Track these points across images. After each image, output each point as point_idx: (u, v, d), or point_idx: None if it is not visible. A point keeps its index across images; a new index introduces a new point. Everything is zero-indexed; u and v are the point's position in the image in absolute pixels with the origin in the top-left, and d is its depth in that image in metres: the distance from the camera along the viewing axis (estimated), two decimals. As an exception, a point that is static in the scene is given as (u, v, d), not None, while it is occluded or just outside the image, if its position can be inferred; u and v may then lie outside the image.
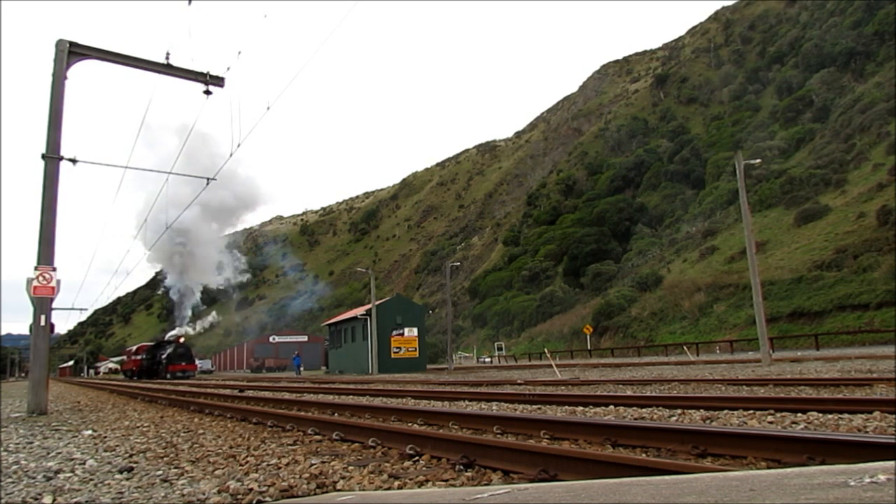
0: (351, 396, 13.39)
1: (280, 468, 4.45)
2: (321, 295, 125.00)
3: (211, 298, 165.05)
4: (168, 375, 44.03)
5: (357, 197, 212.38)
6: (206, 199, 57.67)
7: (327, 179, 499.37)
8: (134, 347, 61.82)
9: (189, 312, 64.59)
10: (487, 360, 52.18)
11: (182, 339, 49.30)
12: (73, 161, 12.33)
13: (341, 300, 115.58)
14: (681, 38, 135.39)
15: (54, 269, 11.19)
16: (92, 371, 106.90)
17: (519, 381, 15.50)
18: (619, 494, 2.12)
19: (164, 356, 45.86)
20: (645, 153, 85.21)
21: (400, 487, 3.71)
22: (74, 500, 3.73)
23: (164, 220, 21.29)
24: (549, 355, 29.46)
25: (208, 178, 15.71)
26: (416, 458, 4.56)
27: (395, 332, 38.08)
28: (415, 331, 38.87)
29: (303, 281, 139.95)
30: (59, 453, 5.84)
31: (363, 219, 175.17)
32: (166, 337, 54.39)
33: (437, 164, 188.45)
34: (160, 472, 4.53)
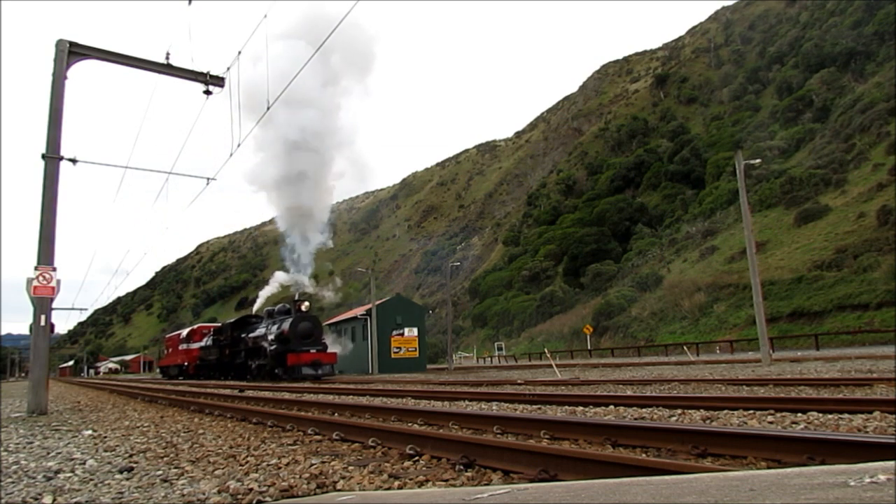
0: (351, 396, 13.38)
1: (280, 468, 4.45)
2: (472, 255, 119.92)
3: (210, 299, 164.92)
4: (283, 372, 25.32)
5: (357, 197, 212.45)
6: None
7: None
8: (185, 331, 40.39)
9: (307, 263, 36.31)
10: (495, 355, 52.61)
11: (306, 307, 27.83)
12: (73, 161, 12.35)
13: (341, 300, 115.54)
14: (681, 38, 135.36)
15: (54, 269, 11.19)
16: (92, 371, 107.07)
17: (519, 381, 15.50)
18: (619, 494, 2.12)
19: (269, 339, 27.11)
20: (645, 153, 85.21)
21: (400, 487, 3.71)
22: (74, 500, 3.73)
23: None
24: (549, 355, 29.42)
25: (208, 178, 15.70)
26: (416, 457, 4.56)
27: (395, 333, 38.07)
28: (415, 331, 38.87)
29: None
30: (59, 453, 5.84)
31: (363, 219, 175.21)
32: (259, 301, 32.88)
33: (437, 164, 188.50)
34: (160, 472, 4.52)
